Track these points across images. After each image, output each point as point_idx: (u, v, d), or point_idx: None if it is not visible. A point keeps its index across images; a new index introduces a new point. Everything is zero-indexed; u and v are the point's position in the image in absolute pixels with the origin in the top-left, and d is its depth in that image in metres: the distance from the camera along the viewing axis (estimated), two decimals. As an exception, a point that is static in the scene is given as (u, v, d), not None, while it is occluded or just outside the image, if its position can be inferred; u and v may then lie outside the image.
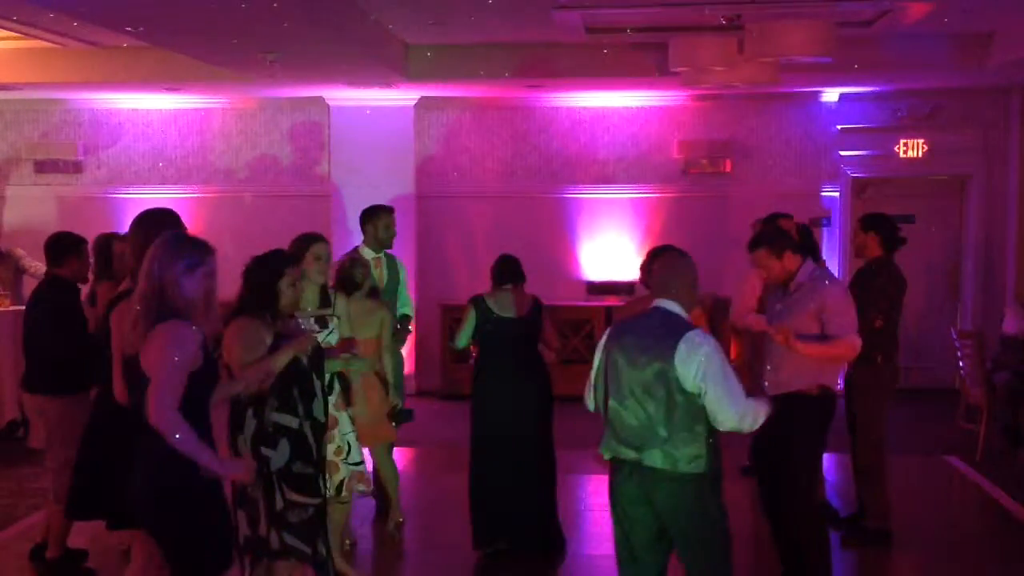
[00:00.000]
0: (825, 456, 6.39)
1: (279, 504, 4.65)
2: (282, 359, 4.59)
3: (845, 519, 6.92)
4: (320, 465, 4.86)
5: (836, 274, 8.65)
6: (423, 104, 11.50)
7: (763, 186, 11.59)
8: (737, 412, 4.20)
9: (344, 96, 11.18)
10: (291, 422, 4.67)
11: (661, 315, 4.38)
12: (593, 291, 11.62)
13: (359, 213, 7.58)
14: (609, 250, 11.71)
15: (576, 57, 9.93)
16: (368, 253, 7.26)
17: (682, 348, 4.19)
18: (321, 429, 4.84)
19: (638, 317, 4.49)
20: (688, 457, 4.23)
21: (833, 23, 7.49)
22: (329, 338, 5.67)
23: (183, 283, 3.92)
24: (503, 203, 11.82)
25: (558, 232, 11.69)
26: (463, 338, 6.49)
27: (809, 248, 6.69)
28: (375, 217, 7.42)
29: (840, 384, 5.62)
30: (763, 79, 8.35)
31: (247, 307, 4.69)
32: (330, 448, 5.56)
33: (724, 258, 10.60)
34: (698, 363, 4.17)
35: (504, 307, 6.41)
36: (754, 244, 5.71)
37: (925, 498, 7.89)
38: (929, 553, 6.63)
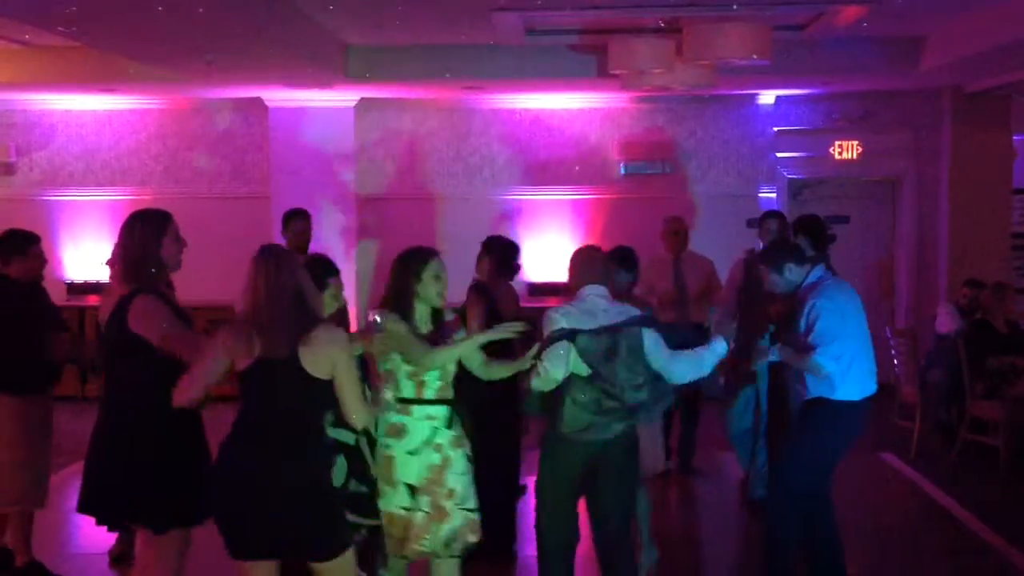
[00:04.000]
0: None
1: None
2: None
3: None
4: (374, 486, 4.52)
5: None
6: (363, 105, 11.42)
7: (702, 187, 11.70)
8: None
9: (282, 97, 11.05)
10: (348, 438, 4.50)
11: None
12: (534, 292, 11.64)
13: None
14: (550, 251, 11.74)
15: (516, 59, 9.94)
16: None
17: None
18: (374, 444, 4.55)
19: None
20: None
21: (769, 26, 7.57)
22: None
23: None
24: (443, 204, 11.80)
25: (499, 233, 11.63)
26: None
27: None
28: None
29: (857, 395, 5.70)
30: (701, 81, 8.43)
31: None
32: (440, 491, 4.52)
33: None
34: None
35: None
36: (758, 261, 5.82)
37: (861, 495, 7.99)
38: (865, 549, 6.72)
